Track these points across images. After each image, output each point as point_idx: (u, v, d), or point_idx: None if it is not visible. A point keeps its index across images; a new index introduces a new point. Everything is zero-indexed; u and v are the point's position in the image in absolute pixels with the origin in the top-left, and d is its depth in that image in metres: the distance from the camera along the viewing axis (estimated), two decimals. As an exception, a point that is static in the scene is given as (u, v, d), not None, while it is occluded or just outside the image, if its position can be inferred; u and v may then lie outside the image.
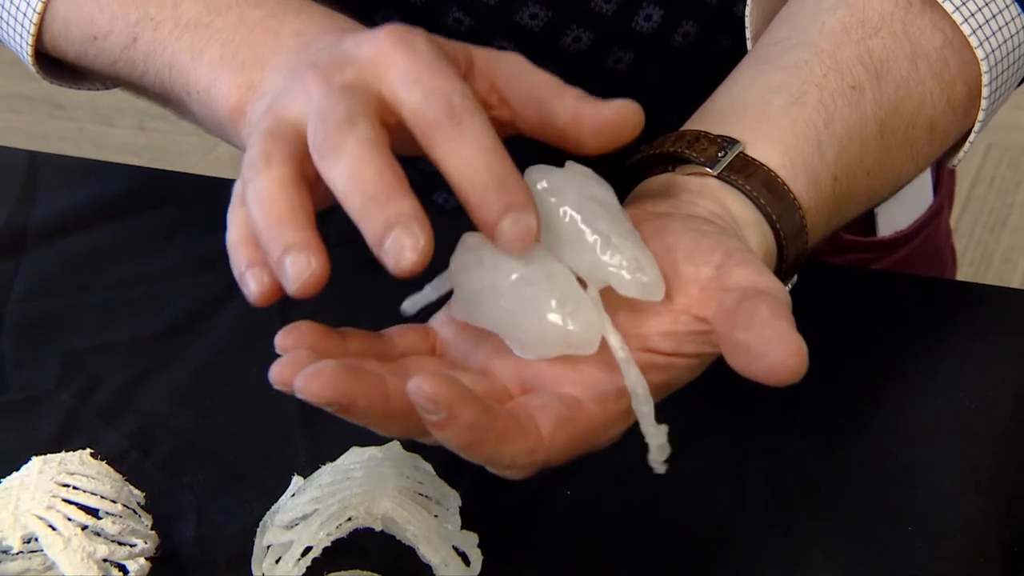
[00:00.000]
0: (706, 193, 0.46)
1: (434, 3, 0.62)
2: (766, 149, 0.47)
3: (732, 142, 0.47)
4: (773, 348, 0.37)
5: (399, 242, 0.37)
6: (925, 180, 0.74)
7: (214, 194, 0.69)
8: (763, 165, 0.46)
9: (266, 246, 0.39)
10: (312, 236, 0.39)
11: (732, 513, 0.52)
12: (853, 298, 0.62)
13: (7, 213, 0.66)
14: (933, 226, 0.76)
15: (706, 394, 0.56)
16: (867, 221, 0.73)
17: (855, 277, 0.67)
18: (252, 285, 0.40)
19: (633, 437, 0.55)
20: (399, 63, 0.40)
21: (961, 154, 0.55)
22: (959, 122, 0.53)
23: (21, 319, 0.61)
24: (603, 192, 0.42)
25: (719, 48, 0.65)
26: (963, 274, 0.88)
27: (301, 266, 0.38)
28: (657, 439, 0.40)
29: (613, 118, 0.41)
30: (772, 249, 0.46)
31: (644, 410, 0.40)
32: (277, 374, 0.39)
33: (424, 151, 0.40)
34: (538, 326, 0.40)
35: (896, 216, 0.73)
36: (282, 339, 0.41)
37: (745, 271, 0.40)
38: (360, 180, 0.38)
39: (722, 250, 0.41)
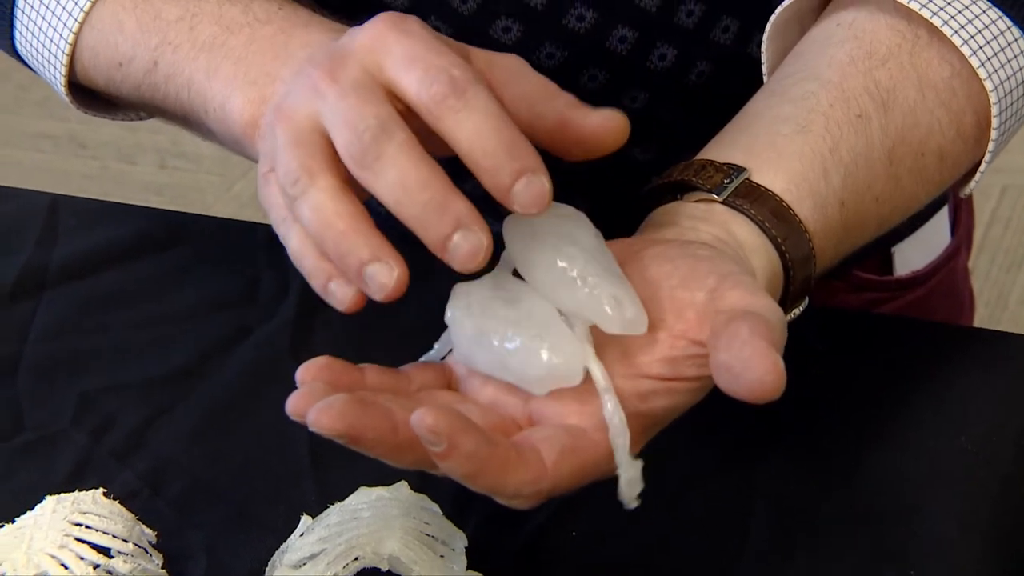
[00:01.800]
0: (711, 219, 0.47)
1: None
2: (771, 176, 0.48)
3: (738, 169, 0.48)
4: (751, 367, 0.38)
5: (463, 245, 0.38)
6: (942, 220, 0.75)
7: (228, 236, 0.71)
8: (768, 191, 0.47)
9: (342, 261, 0.40)
10: (383, 242, 0.40)
11: (735, 555, 0.52)
12: (859, 342, 0.62)
13: (28, 254, 0.67)
14: (950, 267, 0.77)
15: (710, 435, 0.57)
16: (884, 260, 0.73)
17: (861, 321, 0.67)
18: (339, 298, 0.42)
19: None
20: (395, 47, 0.41)
21: (973, 183, 0.56)
22: (970, 151, 0.53)
23: (39, 359, 0.62)
24: (582, 231, 0.43)
25: (733, 88, 0.66)
26: (979, 315, 0.89)
27: (384, 276, 0.39)
28: (628, 472, 0.41)
29: (596, 128, 0.42)
30: (779, 272, 0.47)
31: (619, 441, 0.41)
32: (292, 405, 0.40)
33: (432, 127, 0.40)
34: (524, 363, 0.41)
35: (913, 256, 0.74)
36: (302, 372, 0.42)
37: (739, 293, 0.41)
38: (410, 189, 0.39)
39: (717, 274, 0.42)
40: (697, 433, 0.57)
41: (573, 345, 0.41)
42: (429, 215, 0.39)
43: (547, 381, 0.41)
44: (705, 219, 0.47)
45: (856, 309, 0.72)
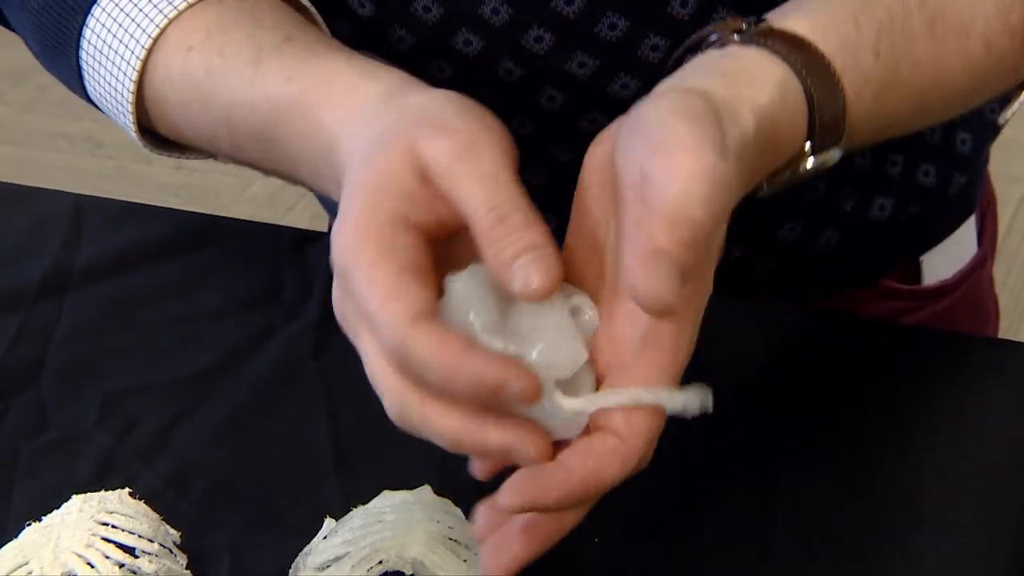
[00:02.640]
0: (717, 62, 0.46)
1: (486, 54, 0.63)
2: (793, 21, 0.47)
3: (759, 20, 0.48)
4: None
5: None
6: (969, 230, 0.75)
7: (252, 238, 0.71)
8: (789, 31, 0.47)
9: (480, 398, 0.39)
10: (503, 364, 0.39)
11: (757, 561, 0.52)
12: (882, 350, 0.62)
13: (53, 255, 0.68)
14: (976, 277, 0.76)
15: (732, 442, 0.57)
16: (912, 270, 0.73)
17: (884, 329, 0.67)
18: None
19: (660, 487, 0.56)
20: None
21: (1016, 104, 0.56)
22: (1018, 49, 0.53)
23: (63, 360, 0.62)
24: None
25: None
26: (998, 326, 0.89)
27: (529, 389, 0.39)
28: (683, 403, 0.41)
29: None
30: (801, 105, 0.46)
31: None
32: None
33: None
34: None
35: (941, 265, 0.74)
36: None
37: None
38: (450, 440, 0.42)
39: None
40: (719, 440, 0.57)
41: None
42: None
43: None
44: (714, 59, 0.46)
45: (882, 318, 0.72)
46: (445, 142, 0.41)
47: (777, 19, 0.48)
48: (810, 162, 0.48)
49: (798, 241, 0.68)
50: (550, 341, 0.41)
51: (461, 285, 0.41)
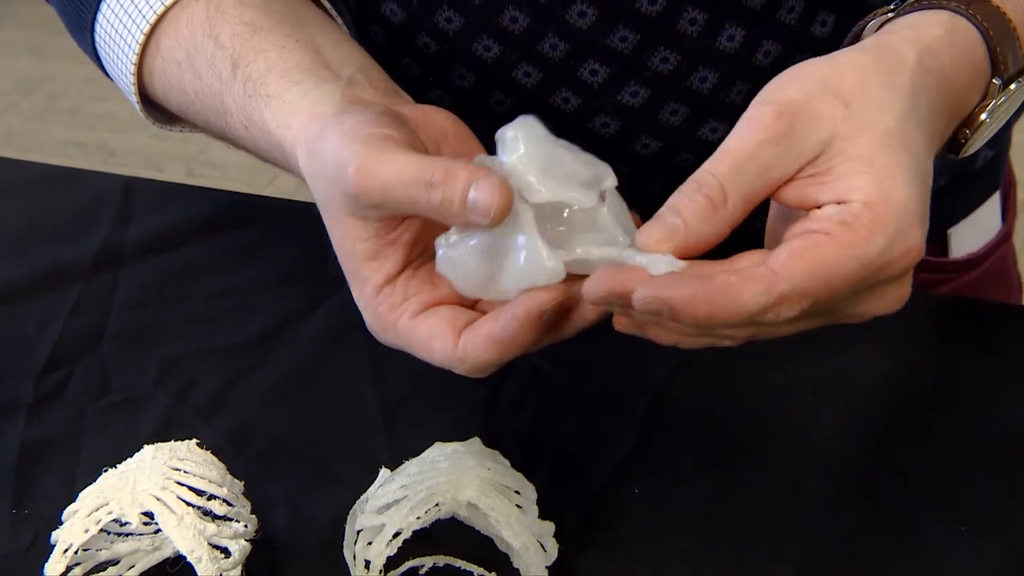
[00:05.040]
0: (895, 23, 0.46)
1: (504, 59, 0.66)
2: None
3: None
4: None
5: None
6: (994, 204, 0.77)
7: (295, 215, 0.74)
8: None
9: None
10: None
11: (793, 510, 0.55)
12: (916, 321, 0.65)
13: (106, 232, 0.71)
14: (1002, 251, 0.79)
15: (765, 398, 0.60)
16: (941, 242, 0.76)
17: (919, 302, 0.70)
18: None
19: (701, 439, 0.59)
20: None
21: None
22: None
23: (121, 327, 0.65)
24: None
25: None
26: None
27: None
28: None
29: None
30: (982, 56, 0.46)
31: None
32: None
33: None
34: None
35: (968, 238, 0.76)
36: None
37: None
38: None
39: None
40: (751, 398, 0.60)
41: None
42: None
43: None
44: (894, 24, 0.46)
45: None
46: (357, 150, 0.44)
47: None
48: (1002, 99, 0.47)
49: None
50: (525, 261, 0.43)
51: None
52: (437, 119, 0.49)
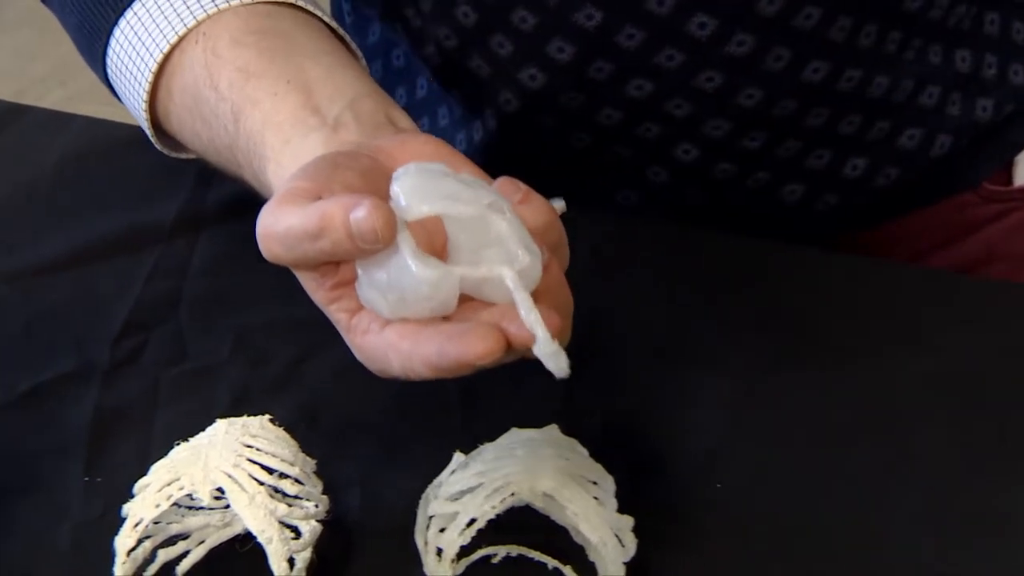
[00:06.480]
0: None
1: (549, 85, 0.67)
2: None
3: None
4: None
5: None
6: None
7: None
8: None
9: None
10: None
11: (873, 514, 0.53)
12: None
13: (184, 197, 0.70)
14: None
15: (862, 396, 0.58)
16: (1006, 172, 0.77)
17: (945, 282, 0.68)
18: None
19: (791, 434, 0.57)
20: None
21: None
22: None
23: (198, 294, 0.64)
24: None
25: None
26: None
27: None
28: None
29: None
30: None
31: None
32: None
33: None
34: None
35: None
36: None
37: None
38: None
39: None
40: (844, 394, 0.58)
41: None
42: None
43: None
44: None
45: (982, 222, 0.76)
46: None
47: None
48: None
49: (917, 148, 0.72)
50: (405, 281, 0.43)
51: None
52: (415, 145, 0.48)
